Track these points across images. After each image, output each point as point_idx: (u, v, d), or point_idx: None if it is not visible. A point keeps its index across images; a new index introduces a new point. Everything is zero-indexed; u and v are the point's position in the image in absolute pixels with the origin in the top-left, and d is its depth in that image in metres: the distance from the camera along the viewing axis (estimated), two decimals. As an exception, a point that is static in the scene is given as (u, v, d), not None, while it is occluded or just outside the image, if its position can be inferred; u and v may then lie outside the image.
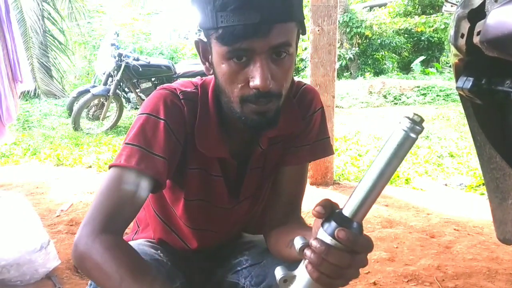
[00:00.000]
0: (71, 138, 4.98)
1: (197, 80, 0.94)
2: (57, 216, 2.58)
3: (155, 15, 13.81)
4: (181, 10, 14.23)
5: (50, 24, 8.67)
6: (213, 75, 0.86)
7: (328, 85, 3.06)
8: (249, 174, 0.96)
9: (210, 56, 0.82)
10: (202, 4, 0.76)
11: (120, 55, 5.48)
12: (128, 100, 6.00)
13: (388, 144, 0.56)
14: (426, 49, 11.60)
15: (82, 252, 0.75)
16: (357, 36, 10.84)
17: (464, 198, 2.99)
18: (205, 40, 0.82)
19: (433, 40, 11.40)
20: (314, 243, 0.59)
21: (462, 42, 0.94)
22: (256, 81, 0.75)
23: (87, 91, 5.64)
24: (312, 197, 2.76)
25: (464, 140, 4.66)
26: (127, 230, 0.86)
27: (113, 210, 0.78)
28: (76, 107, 5.45)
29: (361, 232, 0.59)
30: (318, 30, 2.98)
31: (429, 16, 10.80)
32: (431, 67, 10.70)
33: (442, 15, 10.35)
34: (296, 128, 0.94)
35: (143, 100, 5.57)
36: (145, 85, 5.77)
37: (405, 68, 11.58)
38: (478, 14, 0.89)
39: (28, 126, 5.73)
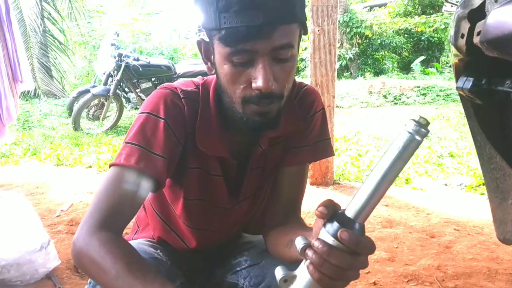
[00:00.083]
0: (71, 138, 4.98)
1: (198, 79, 0.95)
2: (57, 216, 2.58)
3: (155, 15, 13.80)
4: (181, 10, 14.24)
5: (50, 24, 8.66)
6: (214, 75, 0.86)
7: (328, 85, 3.06)
8: (249, 174, 0.96)
9: (212, 56, 0.82)
10: (205, 5, 0.76)
11: (120, 55, 5.48)
12: (128, 100, 6.00)
13: (393, 146, 0.56)
14: (426, 49, 11.60)
15: (80, 249, 0.75)
16: (357, 36, 10.84)
17: (464, 198, 2.99)
18: (207, 40, 0.82)
19: (433, 40, 11.40)
20: (316, 243, 0.59)
21: (462, 42, 0.94)
22: (258, 83, 0.75)
23: (87, 91, 5.64)
24: (312, 197, 2.77)
25: (464, 140, 4.66)
26: (127, 230, 0.86)
27: (112, 208, 0.78)
28: (76, 107, 5.45)
29: (363, 233, 0.59)
30: (318, 30, 2.98)
31: (429, 16, 10.80)
32: (431, 67, 10.70)
33: (442, 15, 10.35)
34: (296, 129, 0.95)
35: (143, 100, 5.57)
36: (145, 85, 5.77)
37: (405, 68, 11.58)
38: (478, 14, 0.89)
39: (28, 126, 5.73)
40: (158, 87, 0.92)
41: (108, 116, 5.63)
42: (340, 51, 10.32)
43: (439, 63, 11.08)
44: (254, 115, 0.80)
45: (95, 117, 5.58)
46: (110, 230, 0.76)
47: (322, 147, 0.99)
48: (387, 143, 4.69)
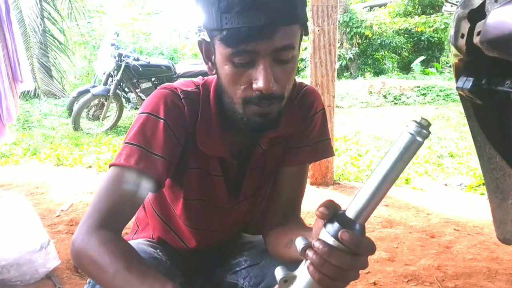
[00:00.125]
0: (71, 138, 4.98)
1: (198, 80, 0.95)
2: (57, 216, 2.58)
3: (155, 15, 13.80)
4: (181, 10, 14.24)
5: (50, 24, 8.66)
6: (215, 75, 0.86)
7: (328, 85, 3.06)
8: (249, 174, 0.96)
9: (213, 56, 0.82)
10: (206, 5, 0.76)
11: (120, 55, 5.48)
12: (128, 100, 6.00)
13: (394, 147, 0.56)
14: (426, 49, 11.60)
15: (78, 248, 0.75)
16: (357, 36, 10.84)
17: (464, 198, 2.99)
18: (208, 40, 0.82)
19: (433, 40, 11.40)
20: (316, 244, 0.59)
21: (462, 42, 0.94)
22: (259, 84, 0.75)
23: (87, 91, 5.64)
24: (312, 197, 2.77)
25: (464, 140, 4.66)
26: (127, 231, 0.86)
27: (111, 208, 0.78)
28: (76, 107, 5.45)
29: (364, 234, 0.59)
30: (318, 30, 2.98)
31: (429, 16, 10.80)
32: (431, 67, 10.70)
33: (442, 15, 10.35)
34: (296, 129, 0.95)
35: (143, 100, 5.57)
36: (145, 85, 5.77)
37: (405, 68, 11.58)
38: (478, 14, 0.89)
39: (28, 126, 5.73)
40: (158, 87, 0.91)
41: (108, 116, 5.63)
42: (340, 51, 10.32)
43: (439, 63, 11.08)
44: (255, 116, 0.80)
45: (95, 117, 5.58)
46: (110, 229, 0.77)
47: (322, 148, 0.99)
48: (387, 143, 4.70)
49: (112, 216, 0.78)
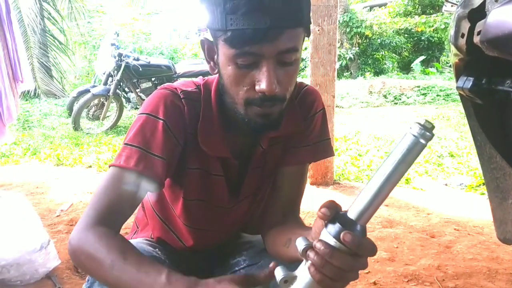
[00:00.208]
0: (71, 138, 4.98)
1: (199, 80, 0.95)
2: (57, 216, 2.58)
3: (155, 15, 13.80)
4: (181, 10, 14.23)
5: (50, 24, 8.66)
6: (216, 75, 0.86)
7: (328, 85, 3.06)
8: (250, 174, 0.96)
9: (215, 56, 0.82)
10: (211, 5, 0.76)
11: (120, 55, 5.48)
12: (128, 100, 5.99)
13: (397, 149, 0.55)
14: (426, 49, 11.59)
15: (75, 245, 0.76)
16: (357, 36, 10.84)
17: (464, 198, 2.99)
18: (211, 39, 0.82)
19: (433, 40, 11.40)
20: (318, 245, 0.59)
21: (462, 42, 0.94)
22: (262, 85, 0.76)
23: (87, 91, 5.64)
24: (312, 197, 2.77)
25: (464, 140, 4.66)
26: (127, 231, 0.86)
27: (109, 207, 0.79)
28: (76, 107, 5.45)
29: (365, 235, 0.59)
30: (318, 30, 2.98)
31: (429, 16, 10.80)
32: (431, 67, 10.70)
33: (442, 15, 10.35)
34: (296, 129, 0.95)
35: (143, 100, 5.57)
36: (145, 85, 5.76)
37: (405, 68, 11.58)
38: (478, 14, 0.89)
39: (28, 126, 5.73)
40: (158, 88, 0.91)
41: (108, 116, 5.63)
42: (340, 51, 10.32)
43: (439, 63, 11.08)
44: (256, 117, 0.80)
45: (95, 117, 5.58)
46: (106, 226, 0.77)
47: (322, 147, 0.99)
48: (387, 143, 4.69)
49: (110, 214, 0.78)
